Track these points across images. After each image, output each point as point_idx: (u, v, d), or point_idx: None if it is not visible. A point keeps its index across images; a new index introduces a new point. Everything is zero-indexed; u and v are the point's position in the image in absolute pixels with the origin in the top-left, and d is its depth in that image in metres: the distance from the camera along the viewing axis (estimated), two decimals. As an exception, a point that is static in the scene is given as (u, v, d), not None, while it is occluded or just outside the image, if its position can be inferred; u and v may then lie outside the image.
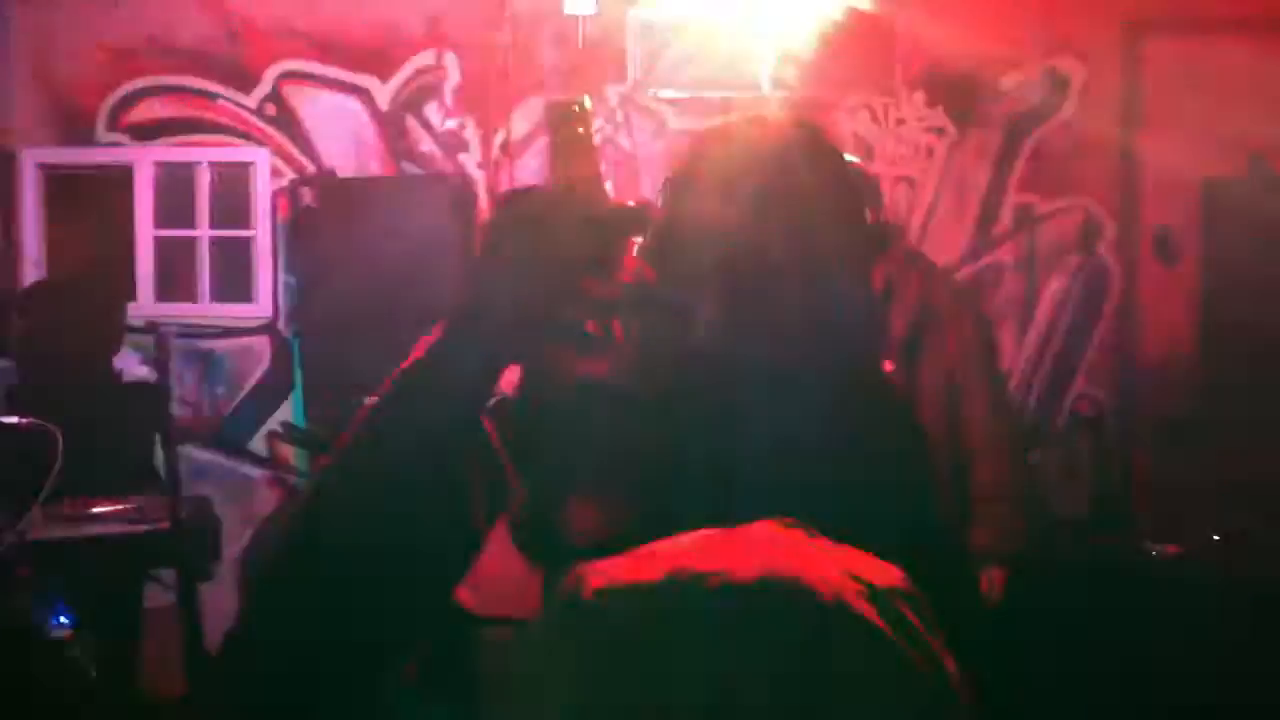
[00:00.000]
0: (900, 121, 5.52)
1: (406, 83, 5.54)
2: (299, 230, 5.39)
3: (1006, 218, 5.52)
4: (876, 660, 1.07)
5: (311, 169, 5.53)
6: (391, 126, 5.54)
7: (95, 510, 3.64)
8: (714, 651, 1.07)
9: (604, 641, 1.11)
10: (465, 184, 5.47)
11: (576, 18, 5.45)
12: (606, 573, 1.15)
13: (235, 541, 5.42)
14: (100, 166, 5.54)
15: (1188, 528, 4.58)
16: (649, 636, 1.10)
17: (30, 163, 5.42)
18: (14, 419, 3.47)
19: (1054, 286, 5.52)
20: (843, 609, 1.08)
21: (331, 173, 5.52)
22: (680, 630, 1.09)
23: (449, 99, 5.55)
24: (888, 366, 3.20)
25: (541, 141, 5.54)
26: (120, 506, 3.68)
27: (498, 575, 1.41)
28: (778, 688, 1.06)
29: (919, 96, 5.52)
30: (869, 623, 1.07)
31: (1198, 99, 5.33)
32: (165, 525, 3.55)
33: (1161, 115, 5.40)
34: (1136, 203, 5.48)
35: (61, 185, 5.54)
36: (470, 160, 5.54)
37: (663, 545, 1.16)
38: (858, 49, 5.54)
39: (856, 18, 5.51)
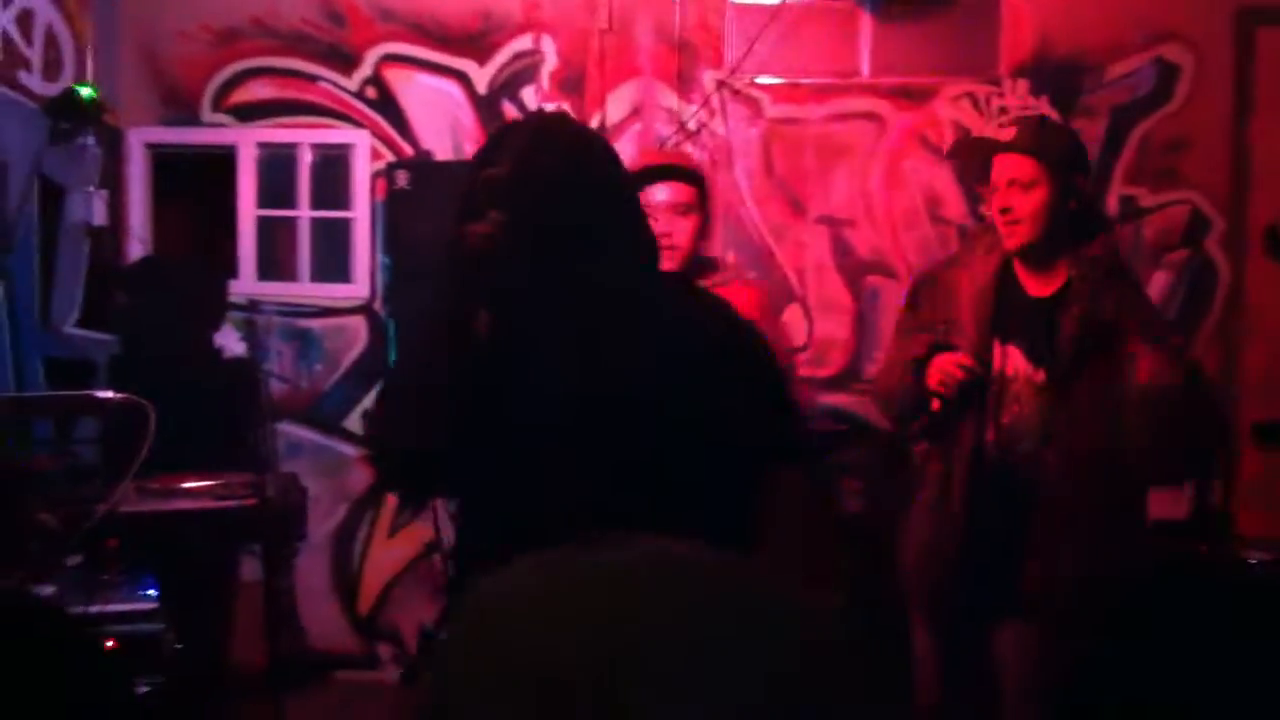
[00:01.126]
0: (1003, 110, 5.41)
1: (504, 67, 5.56)
2: (393, 213, 5.44)
3: (1111, 210, 5.38)
4: None
5: (410, 152, 5.57)
6: (488, 110, 5.56)
7: (184, 485, 3.72)
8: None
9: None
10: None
11: (673, 1, 5.43)
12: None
13: (328, 518, 5.51)
14: (204, 146, 5.64)
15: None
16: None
17: (137, 142, 5.53)
18: (108, 393, 3.56)
19: (1159, 282, 5.37)
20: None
21: (428, 155, 5.56)
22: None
23: (545, 83, 5.55)
24: (1037, 375, 3.05)
25: (637, 127, 5.52)
26: (208, 482, 3.75)
27: None
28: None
29: (1022, 85, 5.40)
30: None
31: (1311, 90, 5.16)
32: (251, 502, 3.61)
33: (1273, 107, 5.22)
34: (1246, 197, 5.30)
35: (167, 164, 5.65)
36: (566, 145, 5.52)
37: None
38: (961, 35, 5.44)
39: (960, 3, 5.41)
